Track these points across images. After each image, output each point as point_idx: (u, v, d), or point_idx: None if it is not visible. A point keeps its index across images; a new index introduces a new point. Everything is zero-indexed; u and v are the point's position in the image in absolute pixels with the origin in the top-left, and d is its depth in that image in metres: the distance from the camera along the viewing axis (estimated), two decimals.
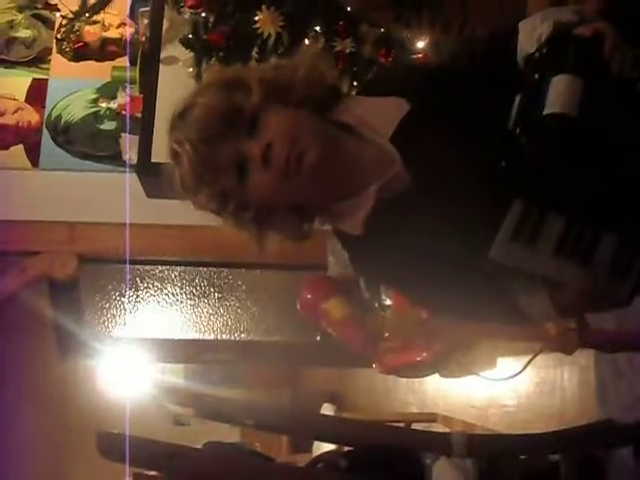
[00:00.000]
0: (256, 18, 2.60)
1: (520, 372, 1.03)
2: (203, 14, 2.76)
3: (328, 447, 2.48)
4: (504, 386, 3.36)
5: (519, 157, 1.08)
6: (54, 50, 3.74)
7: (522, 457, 2.08)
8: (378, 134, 1.17)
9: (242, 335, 4.57)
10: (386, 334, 0.97)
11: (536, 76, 1.08)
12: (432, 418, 4.25)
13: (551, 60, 1.08)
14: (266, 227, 1.18)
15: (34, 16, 3.75)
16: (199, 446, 2.27)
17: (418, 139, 1.16)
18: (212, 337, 4.57)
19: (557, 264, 1.10)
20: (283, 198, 1.14)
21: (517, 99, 1.10)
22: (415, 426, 4.22)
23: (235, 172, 1.12)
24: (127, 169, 3.48)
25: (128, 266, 3.73)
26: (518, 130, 1.08)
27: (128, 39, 3.74)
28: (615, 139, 1.12)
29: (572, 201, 1.10)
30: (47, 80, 3.73)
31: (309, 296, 1.05)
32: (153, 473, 1.68)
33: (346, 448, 2.03)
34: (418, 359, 1.02)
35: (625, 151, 1.12)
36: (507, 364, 2.52)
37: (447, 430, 3.77)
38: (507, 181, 1.09)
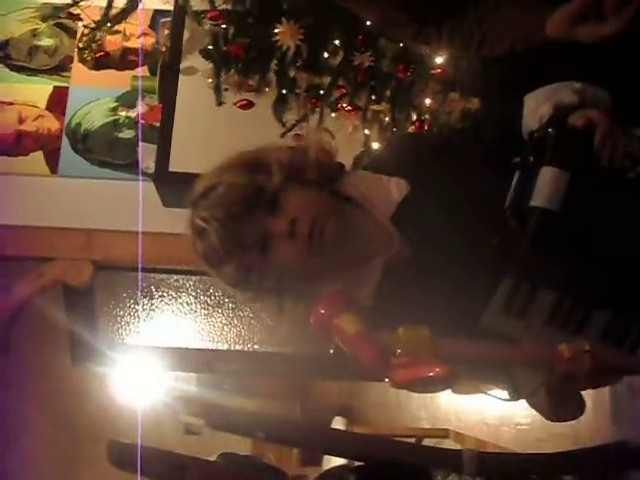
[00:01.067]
0: (276, 31, 2.61)
1: (531, 394, 1.03)
2: (223, 26, 2.77)
3: (338, 461, 2.47)
4: (517, 404, 3.33)
5: (509, 237, 1.13)
6: (75, 59, 3.77)
7: (533, 477, 2.06)
8: (379, 212, 1.25)
9: (255, 346, 4.57)
10: (398, 351, 0.97)
11: (531, 159, 1.12)
12: (444, 434, 4.22)
13: (544, 148, 1.11)
14: (284, 295, 1.27)
15: (57, 25, 3.80)
16: (213, 456, 2.27)
17: (417, 218, 1.23)
18: (225, 347, 4.57)
19: (548, 336, 1.11)
20: (304, 267, 1.23)
21: (516, 176, 1.13)
22: (426, 442, 4.20)
23: (259, 246, 1.21)
24: (140, 177, 3.50)
25: (141, 274, 3.74)
26: (509, 213, 1.12)
27: (147, 49, 3.78)
28: (602, 225, 1.14)
29: (562, 279, 1.13)
30: (68, 88, 3.76)
31: (322, 311, 1.05)
32: None
33: (356, 463, 2.02)
34: (431, 374, 1.02)
35: (613, 236, 1.15)
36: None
37: (458, 446, 3.74)
38: (499, 258, 1.14)
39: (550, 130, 1.12)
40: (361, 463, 1.93)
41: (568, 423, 2.90)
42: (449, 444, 4.04)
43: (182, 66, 3.38)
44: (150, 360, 4.50)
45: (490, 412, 3.70)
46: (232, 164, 1.26)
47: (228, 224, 1.19)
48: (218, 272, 1.27)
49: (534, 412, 3.54)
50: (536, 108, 1.20)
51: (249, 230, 1.20)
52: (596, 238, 1.15)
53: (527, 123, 1.21)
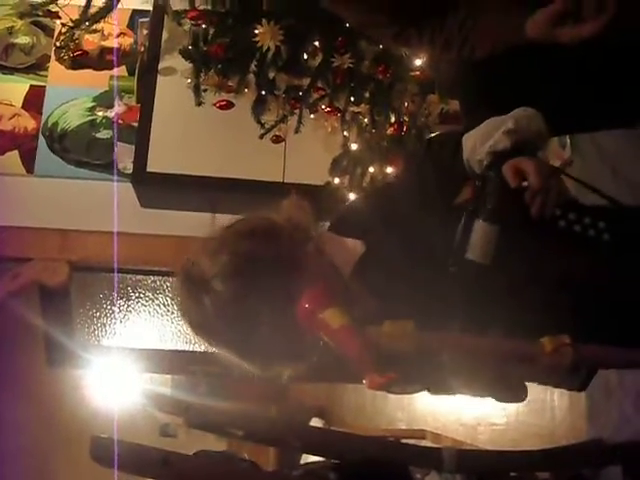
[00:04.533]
0: (256, 31, 2.60)
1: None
2: (203, 26, 2.77)
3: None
4: (493, 404, 3.36)
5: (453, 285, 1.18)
6: (52, 57, 3.75)
7: (512, 474, 2.08)
8: (342, 271, 1.29)
9: None
10: (383, 345, 0.98)
11: (470, 208, 1.18)
12: (421, 435, 4.24)
13: (479, 200, 1.17)
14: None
15: (34, 23, 3.77)
16: None
17: (374, 274, 1.27)
18: (202, 349, 4.56)
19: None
20: None
21: (462, 220, 1.18)
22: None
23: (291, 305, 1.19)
24: (115, 177, 3.49)
25: (117, 275, 3.72)
26: (450, 262, 1.18)
27: (126, 49, 3.77)
28: (535, 274, 1.19)
29: (505, 318, 1.16)
30: (45, 87, 3.74)
31: (307, 306, 1.06)
32: None
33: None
34: None
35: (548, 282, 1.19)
36: None
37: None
38: (447, 295, 1.18)
39: (487, 180, 1.18)
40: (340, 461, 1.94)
41: (544, 424, 2.93)
42: (426, 445, 4.06)
43: (161, 66, 3.38)
44: (126, 362, 4.47)
45: (466, 413, 3.72)
46: (236, 234, 1.26)
47: (270, 291, 1.20)
48: (247, 336, 1.25)
49: (510, 412, 3.56)
50: (473, 150, 1.24)
51: (283, 292, 1.20)
52: (531, 283, 1.20)
53: (470, 163, 1.25)
